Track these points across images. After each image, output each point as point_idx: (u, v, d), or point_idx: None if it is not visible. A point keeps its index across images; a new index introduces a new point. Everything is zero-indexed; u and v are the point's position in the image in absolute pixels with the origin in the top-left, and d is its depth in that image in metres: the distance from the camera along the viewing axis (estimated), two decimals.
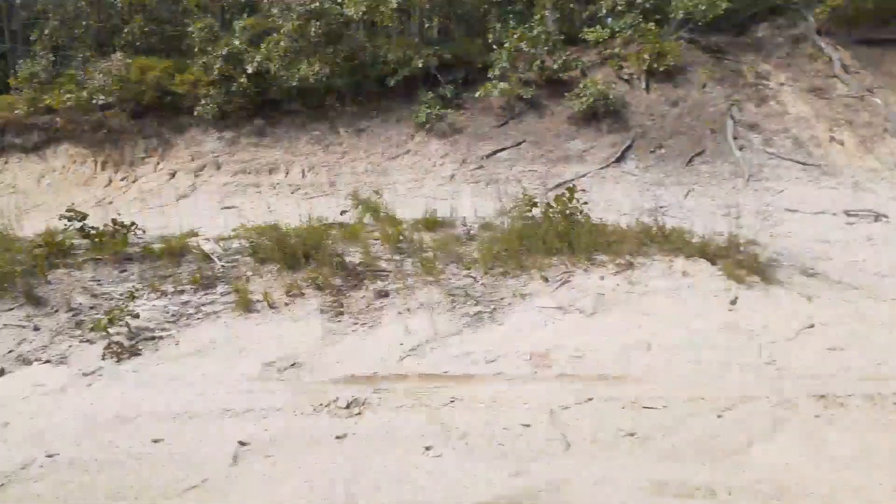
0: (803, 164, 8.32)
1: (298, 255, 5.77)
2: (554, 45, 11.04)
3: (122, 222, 6.30)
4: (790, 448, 3.44)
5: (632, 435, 3.61)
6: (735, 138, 9.07)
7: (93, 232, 6.15)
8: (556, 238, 5.89)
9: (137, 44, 12.35)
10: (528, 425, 3.68)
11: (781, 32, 11.81)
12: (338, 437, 3.63)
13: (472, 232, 6.59)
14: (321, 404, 3.95)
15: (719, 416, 3.74)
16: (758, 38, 11.86)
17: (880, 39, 11.47)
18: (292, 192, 9.21)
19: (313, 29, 10.55)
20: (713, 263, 5.56)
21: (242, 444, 3.58)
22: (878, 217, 7.03)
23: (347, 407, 3.92)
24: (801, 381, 4.10)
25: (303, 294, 5.39)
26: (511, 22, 11.78)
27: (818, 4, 11.54)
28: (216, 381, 4.26)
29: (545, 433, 3.61)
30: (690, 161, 8.96)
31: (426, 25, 12.67)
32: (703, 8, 10.82)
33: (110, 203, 9.19)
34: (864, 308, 5.07)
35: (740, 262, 5.56)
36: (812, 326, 4.78)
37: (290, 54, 10.57)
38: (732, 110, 9.61)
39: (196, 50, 11.21)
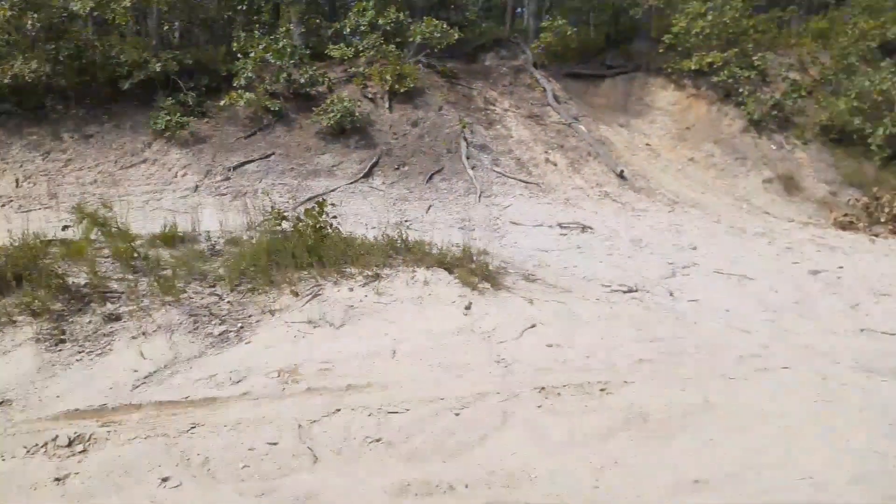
0: (525, 182, 9.37)
1: (7, 277, 5.03)
2: (301, 59, 11.06)
3: None
4: (517, 438, 3.80)
5: (378, 441, 3.76)
6: (468, 158, 9.91)
7: None
8: (307, 252, 5.89)
9: None
10: (274, 443, 3.63)
11: (505, 63, 13.18)
12: (57, 480, 3.24)
13: (217, 247, 6.31)
14: (36, 445, 3.50)
15: (457, 415, 4.03)
16: (486, 66, 13.11)
17: (584, 74, 13.39)
18: (2, 205, 7.99)
19: (30, 22, 9.30)
20: (450, 272, 5.97)
21: None
22: (584, 229, 8.17)
23: (69, 445, 3.52)
24: (525, 376, 4.57)
25: (13, 322, 4.71)
26: (256, 32, 11.55)
27: (534, 40, 13.13)
28: None
29: (293, 449, 3.60)
30: (431, 178, 9.58)
31: (165, 28, 11.86)
32: (438, 36, 11.66)
33: None
34: (575, 308, 5.81)
35: (473, 270, 6.05)
36: (534, 326, 5.33)
37: (2, 48, 9.21)
38: (465, 132, 10.48)
39: None
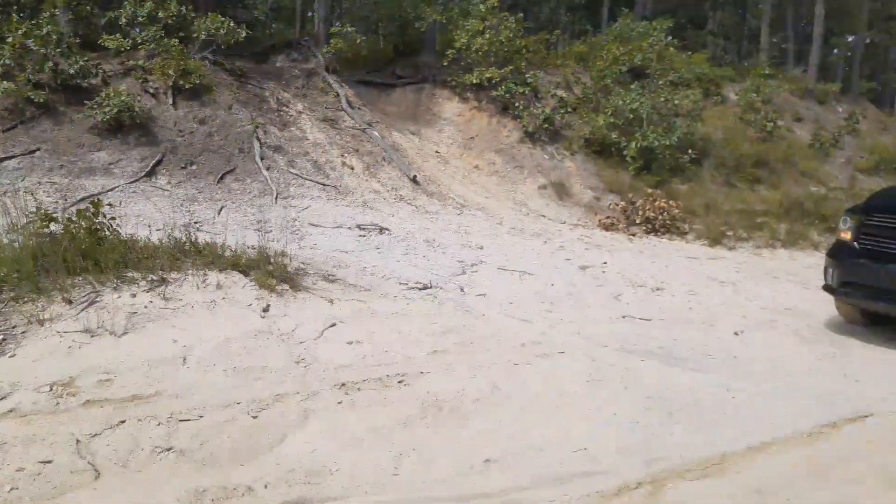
0: (322, 184, 9.37)
1: None
2: (69, 47, 10.00)
3: None
4: (318, 435, 3.81)
5: (169, 450, 3.56)
6: (262, 159, 9.66)
7: None
8: (81, 256, 5.37)
9: None
10: (48, 461, 3.29)
11: (297, 66, 13.05)
12: None
13: None
14: None
15: (255, 418, 3.94)
16: (277, 67, 12.88)
17: (375, 82, 13.70)
18: None
19: None
20: (246, 275, 5.81)
21: None
22: (382, 230, 8.38)
23: None
24: (326, 375, 4.60)
25: None
26: (15, 16, 10.22)
27: (325, 45, 13.17)
28: None
29: (70, 466, 3.28)
30: (222, 178, 9.19)
31: None
32: (224, 33, 11.23)
33: None
34: (374, 305, 5.95)
35: (271, 272, 5.94)
36: (334, 325, 5.39)
37: None
38: (258, 132, 10.21)
39: None
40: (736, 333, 6.29)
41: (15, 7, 11.06)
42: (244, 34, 11.62)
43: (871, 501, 3.23)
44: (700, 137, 14.61)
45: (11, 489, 3.09)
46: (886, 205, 6.12)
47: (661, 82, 14.17)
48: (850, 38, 32.76)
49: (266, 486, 3.31)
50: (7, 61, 9.33)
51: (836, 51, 34.75)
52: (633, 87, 13.81)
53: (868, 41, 32.91)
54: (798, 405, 4.40)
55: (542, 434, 3.94)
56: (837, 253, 6.38)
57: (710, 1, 30.22)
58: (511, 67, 13.60)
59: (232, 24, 11.52)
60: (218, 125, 10.24)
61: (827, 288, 6.46)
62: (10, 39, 9.44)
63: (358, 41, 13.00)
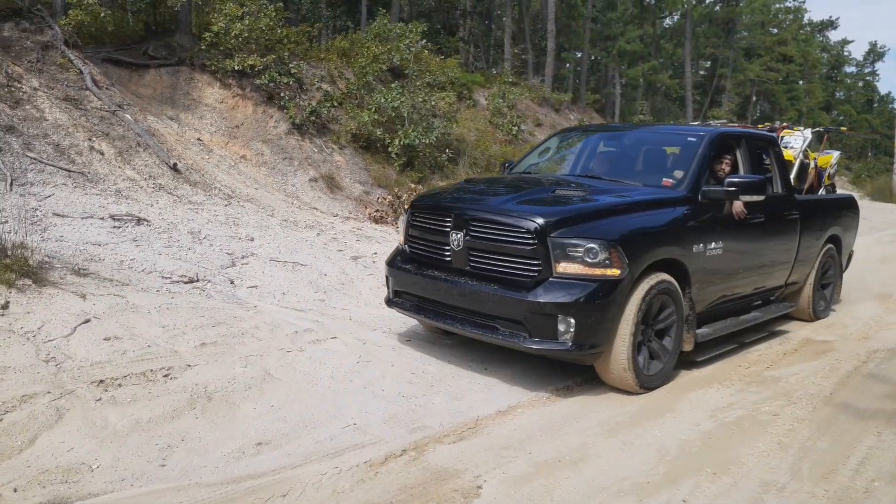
0: (68, 170, 8.48)
1: None
2: None
3: None
4: (75, 434, 3.66)
5: None
6: None
7: None
8: None
9: None
10: None
11: (30, 37, 11.54)
12: None
13: None
14: None
15: (0, 421, 3.65)
16: (5, 37, 11.27)
17: (125, 61, 12.63)
18: None
19: None
20: None
21: None
22: (140, 221, 7.85)
23: None
24: (81, 372, 4.35)
25: None
26: None
27: (63, 16, 11.83)
28: None
29: None
30: None
31: None
32: None
33: None
34: (135, 300, 5.67)
35: (8, 266, 5.39)
36: (88, 321, 5.07)
37: None
38: None
39: None
40: None
41: None
42: None
43: (595, 448, 3.97)
44: (455, 138, 15.75)
45: None
46: (426, 204, 5.35)
47: (418, 83, 14.98)
48: (578, 55, 37.41)
49: (16, 490, 3.13)
50: None
51: (567, 65, 39.46)
52: (393, 85, 14.43)
53: (592, 58, 37.86)
54: (539, 373, 5.15)
55: (314, 414, 4.17)
56: (393, 258, 5.61)
57: (461, 10, 32.43)
58: (274, 56, 13.39)
59: None
60: None
61: (386, 300, 5.65)
62: None
63: (101, 14, 11.84)
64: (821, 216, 7.04)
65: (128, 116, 10.59)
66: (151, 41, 13.56)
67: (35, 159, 8.28)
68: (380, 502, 3.23)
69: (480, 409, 4.42)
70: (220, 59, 13.13)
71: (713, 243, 5.25)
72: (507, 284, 4.60)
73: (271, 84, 13.23)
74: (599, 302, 4.38)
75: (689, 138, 5.79)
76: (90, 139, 9.57)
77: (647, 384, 4.82)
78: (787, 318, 7.17)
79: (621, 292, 4.47)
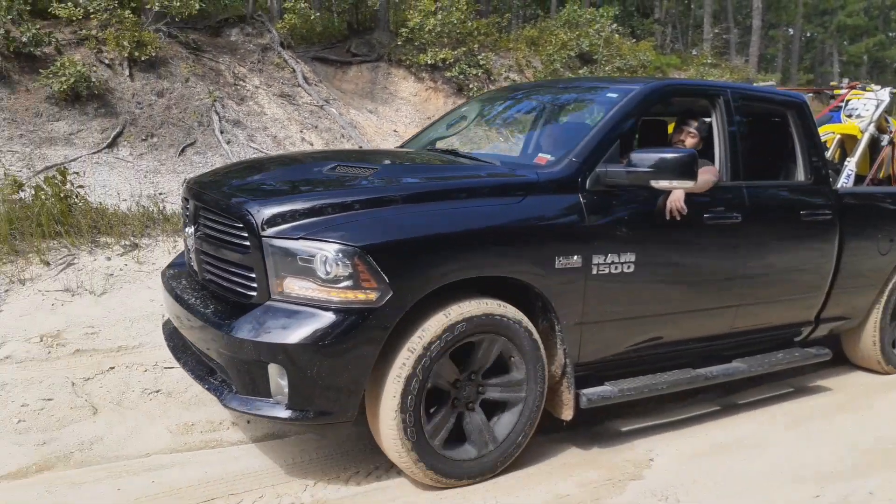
0: None
1: None
2: (20, 14, 9.95)
3: None
4: None
5: (157, 392, 3.98)
6: (222, 132, 9.87)
7: None
8: (54, 221, 5.65)
9: None
10: (49, 399, 3.67)
11: (252, 40, 13.15)
12: None
13: None
14: None
15: None
16: (232, 41, 12.95)
17: (331, 59, 13.93)
18: None
19: None
20: None
21: None
22: None
23: None
24: None
25: None
26: None
27: (278, 20, 13.33)
28: None
29: (70, 403, 3.67)
30: (183, 151, 9.38)
31: None
32: (178, 4, 11.30)
33: None
34: None
35: None
36: None
37: None
38: (217, 106, 10.39)
39: None
40: None
41: None
42: (197, 6, 11.67)
43: (774, 436, 3.89)
44: None
45: (20, 422, 3.47)
46: (186, 186, 3.74)
47: (607, 68, 14.79)
48: (789, 31, 34.28)
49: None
50: None
51: (777, 43, 36.32)
52: (581, 72, 14.41)
53: (806, 35, 34.51)
54: None
55: None
56: (171, 263, 4.16)
57: None
58: (464, 49, 13.99)
59: None
60: (176, 98, 10.36)
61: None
62: None
63: (312, 17, 13.16)
64: (885, 219, 4.75)
65: (333, 110, 11.71)
66: (354, 39, 14.79)
67: (256, 149, 9.52)
68: None
69: None
70: (414, 54, 13.99)
71: (610, 255, 3.28)
72: (221, 308, 3.07)
73: (461, 76, 13.83)
74: (331, 344, 2.68)
75: (610, 94, 3.82)
76: (301, 131, 10.75)
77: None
78: None
79: (376, 329, 2.75)
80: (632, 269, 3.35)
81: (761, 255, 3.95)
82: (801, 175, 4.34)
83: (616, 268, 3.30)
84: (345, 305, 2.71)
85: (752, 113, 4.46)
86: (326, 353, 2.68)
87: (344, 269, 2.69)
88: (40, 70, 9.47)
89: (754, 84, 6.05)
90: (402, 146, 4.87)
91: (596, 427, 3.86)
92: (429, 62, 13.81)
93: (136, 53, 10.62)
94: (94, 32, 10.74)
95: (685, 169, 3.22)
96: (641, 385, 3.57)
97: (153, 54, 10.74)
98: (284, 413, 2.75)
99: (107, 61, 10.52)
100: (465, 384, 3.06)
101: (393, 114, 13.30)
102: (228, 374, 2.90)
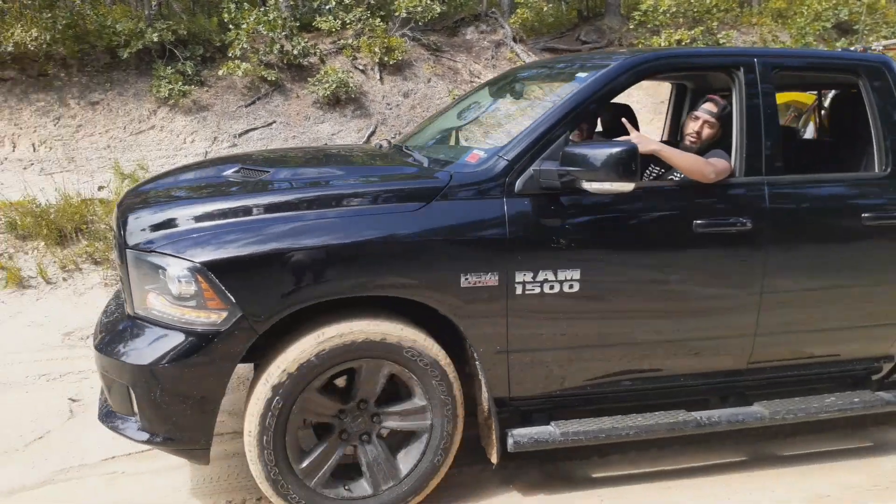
0: None
1: (67, 230, 5.54)
2: (291, 30, 11.47)
3: None
4: None
5: None
6: None
7: None
8: None
9: None
10: None
11: (486, 37, 13.75)
12: None
13: None
14: None
15: None
16: (467, 40, 13.65)
17: (560, 49, 14.06)
18: (24, 168, 8.34)
19: None
20: None
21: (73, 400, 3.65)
22: None
23: None
24: None
25: (80, 269, 5.24)
26: (246, 4, 11.90)
27: (510, 15, 13.74)
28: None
29: None
30: None
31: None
32: (421, 9, 12.18)
33: None
34: None
35: None
36: None
37: None
38: None
39: None
40: None
41: None
42: (438, 10, 12.50)
43: None
44: None
45: None
46: None
47: (871, 39, 13.11)
48: None
49: None
50: (244, 45, 10.93)
51: None
52: (838, 44, 12.96)
53: None
54: None
55: None
56: None
57: None
58: (702, 28, 13.28)
59: (428, 1, 12.43)
60: (419, 98, 11.25)
61: None
62: (244, 26, 11.03)
63: (544, 9, 13.42)
64: None
65: None
66: (583, 27, 14.78)
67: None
68: None
69: None
70: (647, 38, 13.61)
71: (543, 272, 2.66)
72: (109, 321, 2.85)
73: None
74: (169, 368, 2.42)
75: (581, 73, 3.13)
76: None
77: None
78: None
79: (221, 353, 2.44)
80: (575, 289, 2.70)
81: (786, 271, 3.02)
82: (875, 165, 3.24)
83: (552, 287, 2.67)
84: (188, 326, 2.42)
85: (802, 84, 3.63)
86: (165, 376, 2.42)
87: (188, 287, 2.40)
88: (308, 78, 10.86)
89: None
90: (405, 138, 4.16)
91: (548, 466, 3.20)
92: (663, 45, 13.34)
93: (385, 58, 11.69)
94: (349, 41, 12.02)
95: (620, 167, 2.51)
96: (596, 429, 2.87)
97: (399, 58, 11.74)
98: (139, 435, 2.54)
99: (361, 67, 11.72)
100: (354, 414, 2.67)
101: (623, 99, 13.07)
102: (106, 390, 2.69)
